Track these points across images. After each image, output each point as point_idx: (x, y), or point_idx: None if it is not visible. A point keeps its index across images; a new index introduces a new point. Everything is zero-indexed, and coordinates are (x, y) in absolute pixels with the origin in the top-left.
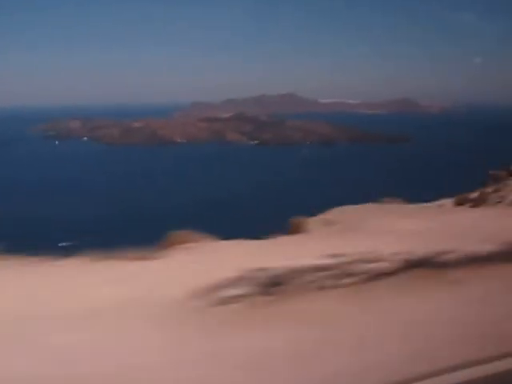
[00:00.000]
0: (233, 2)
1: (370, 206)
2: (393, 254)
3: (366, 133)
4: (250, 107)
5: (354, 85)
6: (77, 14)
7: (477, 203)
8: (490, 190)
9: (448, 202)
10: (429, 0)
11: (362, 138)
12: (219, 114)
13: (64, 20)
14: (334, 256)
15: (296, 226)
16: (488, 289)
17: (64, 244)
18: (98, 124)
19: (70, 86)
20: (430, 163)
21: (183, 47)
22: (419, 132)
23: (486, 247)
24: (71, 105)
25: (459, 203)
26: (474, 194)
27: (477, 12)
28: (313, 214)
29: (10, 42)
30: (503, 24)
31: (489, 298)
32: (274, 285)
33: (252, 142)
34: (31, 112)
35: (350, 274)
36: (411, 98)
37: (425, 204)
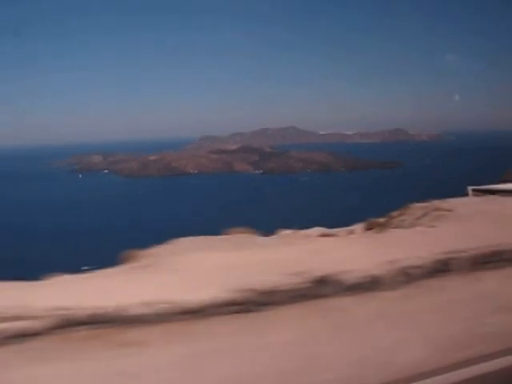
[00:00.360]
0: (234, 43)
1: (211, 239)
2: (51, 308)
3: (361, 160)
4: (255, 140)
5: (349, 117)
6: (94, 58)
7: (382, 227)
8: (395, 213)
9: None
10: (416, 41)
11: (357, 165)
12: (227, 146)
13: (84, 65)
14: None
15: (125, 260)
16: (180, 354)
17: (86, 268)
18: (117, 158)
19: (93, 125)
20: (411, 187)
21: (191, 88)
22: (409, 158)
23: (203, 295)
24: (93, 141)
25: (369, 228)
26: (382, 219)
27: (459, 53)
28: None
29: (38, 85)
30: (483, 63)
31: (175, 367)
32: None
33: (257, 171)
34: (58, 148)
35: None
36: (402, 127)
37: (336, 229)
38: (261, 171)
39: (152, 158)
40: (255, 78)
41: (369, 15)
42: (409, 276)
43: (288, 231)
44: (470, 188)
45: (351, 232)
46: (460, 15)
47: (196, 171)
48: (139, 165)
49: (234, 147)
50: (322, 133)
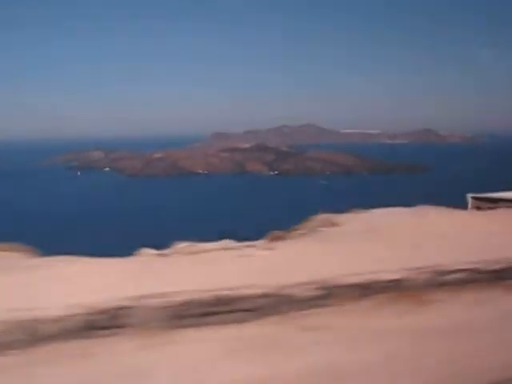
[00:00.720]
0: (251, 36)
1: None
2: None
3: (386, 163)
4: (270, 138)
5: (374, 115)
6: (98, 50)
7: (281, 241)
8: (298, 225)
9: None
10: (450, 37)
11: (381, 168)
12: (240, 144)
13: (86, 56)
14: None
15: None
16: None
17: None
18: (120, 155)
19: (93, 120)
20: (431, 193)
21: (204, 81)
22: (438, 162)
23: None
24: (94, 137)
25: (273, 240)
26: (283, 232)
27: (495, 48)
28: None
29: (36, 75)
30: None
31: None
32: None
33: (272, 173)
34: (55, 144)
35: None
36: (432, 128)
37: (243, 243)
38: (275, 172)
39: (157, 155)
40: (271, 70)
41: (397, 9)
42: None
43: (184, 244)
44: (469, 196)
45: (251, 246)
46: (496, 6)
47: (205, 171)
48: (143, 163)
49: (247, 146)
50: (344, 131)
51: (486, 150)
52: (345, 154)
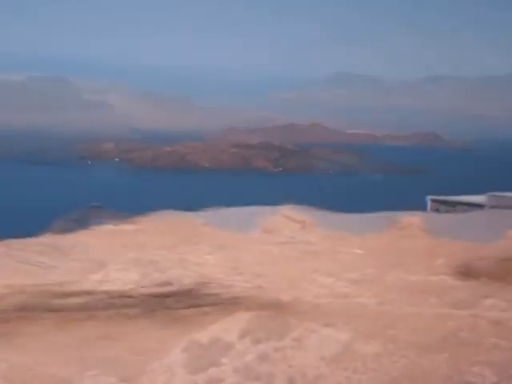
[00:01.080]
0: (263, 40)
1: None
2: None
3: (388, 163)
4: (278, 135)
5: (380, 117)
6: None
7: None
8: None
9: None
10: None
11: (382, 168)
12: (248, 141)
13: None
14: None
15: None
16: None
17: None
18: (130, 147)
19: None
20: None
21: (215, 76)
22: (438, 164)
23: None
24: (106, 128)
25: None
26: None
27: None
28: None
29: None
30: None
31: None
32: None
33: (277, 169)
34: (69, 134)
35: None
36: (436, 131)
37: None
38: (280, 169)
39: (167, 148)
40: (281, 68)
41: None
42: None
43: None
44: (428, 198)
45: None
46: None
47: (211, 166)
48: (152, 155)
49: (254, 143)
50: (350, 132)
51: (486, 155)
52: (349, 153)
